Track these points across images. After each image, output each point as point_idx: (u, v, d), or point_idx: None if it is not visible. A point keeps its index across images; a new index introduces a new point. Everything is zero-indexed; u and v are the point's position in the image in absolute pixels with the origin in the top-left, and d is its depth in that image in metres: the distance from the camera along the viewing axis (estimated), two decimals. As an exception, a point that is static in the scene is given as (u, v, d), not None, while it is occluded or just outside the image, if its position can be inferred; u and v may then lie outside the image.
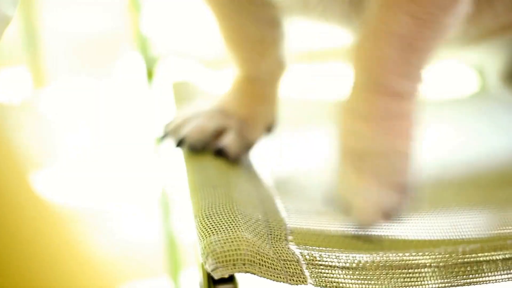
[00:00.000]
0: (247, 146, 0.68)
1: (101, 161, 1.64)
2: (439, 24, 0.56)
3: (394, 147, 0.59)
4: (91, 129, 1.75)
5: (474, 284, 0.56)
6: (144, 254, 1.36)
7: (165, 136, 0.68)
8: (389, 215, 0.59)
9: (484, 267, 0.56)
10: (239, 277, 0.53)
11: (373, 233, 0.59)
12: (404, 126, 0.59)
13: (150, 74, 1.02)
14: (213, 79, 0.89)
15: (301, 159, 0.76)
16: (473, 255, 0.56)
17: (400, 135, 0.59)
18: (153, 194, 1.25)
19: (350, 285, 0.52)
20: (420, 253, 0.55)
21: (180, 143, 0.66)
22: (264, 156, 0.70)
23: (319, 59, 0.98)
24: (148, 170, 1.25)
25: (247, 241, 0.51)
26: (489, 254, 0.56)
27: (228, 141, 0.66)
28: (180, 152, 0.66)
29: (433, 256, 0.55)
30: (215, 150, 0.65)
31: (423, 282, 0.54)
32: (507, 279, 0.56)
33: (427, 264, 0.55)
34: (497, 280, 0.56)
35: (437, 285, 0.54)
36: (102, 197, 1.53)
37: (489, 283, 0.56)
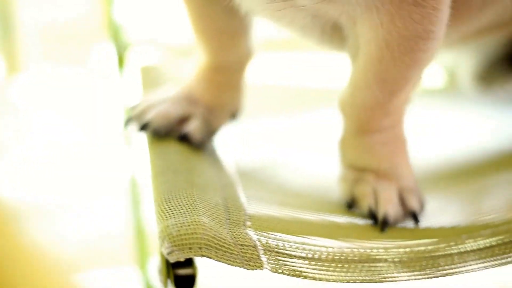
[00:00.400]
0: (211, 132, 0.68)
1: (71, 150, 1.63)
2: (422, 66, 0.58)
3: (393, 166, 0.64)
4: (62, 117, 1.74)
5: (431, 278, 0.56)
6: (112, 243, 1.35)
7: (129, 120, 0.68)
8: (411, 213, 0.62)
9: (440, 261, 0.56)
10: (199, 262, 0.53)
11: (330, 219, 0.59)
12: (398, 144, 0.64)
13: (121, 61, 1.02)
14: (183, 66, 0.89)
15: (264, 147, 0.76)
16: (428, 251, 0.57)
17: (396, 153, 0.64)
18: (122, 182, 1.24)
19: (306, 273, 0.53)
20: (375, 248, 0.56)
21: (143, 128, 0.66)
22: (228, 143, 0.71)
23: (285, 47, 0.99)
24: (118, 158, 1.25)
25: (204, 226, 0.51)
26: (444, 250, 0.57)
27: (193, 127, 0.66)
28: (144, 138, 0.66)
29: (389, 252, 0.56)
30: (179, 135, 0.65)
31: (380, 276, 0.54)
32: (463, 272, 0.57)
33: (383, 259, 0.55)
34: (454, 273, 0.57)
35: (394, 279, 0.55)
36: (71, 187, 1.52)
37: (446, 276, 0.57)
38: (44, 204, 1.47)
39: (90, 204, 1.47)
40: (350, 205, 0.64)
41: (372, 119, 0.61)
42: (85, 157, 1.61)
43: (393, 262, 0.55)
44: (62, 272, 1.29)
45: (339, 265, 0.54)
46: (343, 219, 0.61)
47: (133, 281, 1.23)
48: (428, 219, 0.63)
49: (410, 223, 0.62)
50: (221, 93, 0.68)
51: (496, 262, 0.57)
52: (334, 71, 0.93)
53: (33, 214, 1.43)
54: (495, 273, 1.10)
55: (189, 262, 0.53)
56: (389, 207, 0.61)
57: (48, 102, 1.80)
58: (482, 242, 0.58)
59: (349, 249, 0.55)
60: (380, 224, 0.61)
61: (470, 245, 0.58)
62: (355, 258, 0.55)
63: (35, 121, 1.75)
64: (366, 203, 0.62)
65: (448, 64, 0.91)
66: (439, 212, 0.64)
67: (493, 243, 0.58)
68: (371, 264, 0.54)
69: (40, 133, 1.70)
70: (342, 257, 0.54)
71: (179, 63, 0.91)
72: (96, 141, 1.64)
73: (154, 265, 1.10)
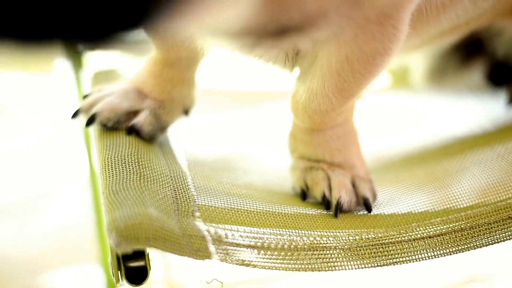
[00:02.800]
0: (162, 127, 0.68)
1: (31, 150, 1.61)
2: (377, 75, 0.60)
3: (346, 158, 0.65)
4: (22, 120, 1.73)
5: (381, 266, 0.57)
6: (74, 241, 1.34)
7: (77, 112, 0.67)
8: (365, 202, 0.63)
9: (389, 248, 0.57)
10: (153, 254, 0.53)
11: (280, 210, 0.59)
12: (350, 137, 0.65)
13: (79, 62, 1.01)
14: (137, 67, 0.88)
15: (213, 139, 0.76)
16: (378, 238, 0.57)
17: (348, 146, 0.65)
18: (83, 180, 1.23)
19: (256, 263, 0.53)
20: (324, 237, 0.56)
21: (91, 120, 0.65)
22: (177, 135, 0.70)
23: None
24: (78, 155, 1.24)
25: (151, 217, 0.51)
26: (394, 237, 0.57)
27: (141, 120, 0.65)
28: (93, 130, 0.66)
29: (337, 240, 0.56)
30: (127, 128, 0.65)
31: (329, 264, 0.55)
32: (414, 260, 0.57)
33: (332, 247, 0.55)
34: (404, 261, 0.57)
35: (344, 267, 0.55)
36: (31, 186, 1.51)
37: (397, 264, 0.57)
38: (5, 203, 1.46)
39: (53, 202, 1.46)
40: (304, 194, 0.65)
41: (325, 120, 0.63)
42: (46, 156, 1.59)
43: (343, 249, 0.55)
44: (26, 273, 1.28)
45: (288, 253, 0.54)
46: (293, 209, 0.61)
47: (97, 279, 1.23)
48: (380, 209, 0.63)
49: (361, 212, 0.63)
50: (172, 89, 0.68)
51: (447, 251, 0.58)
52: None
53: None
54: (464, 265, 1.12)
55: (140, 254, 0.52)
56: (343, 193, 0.62)
57: (12, 105, 1.78)
58: (432, 229, 0.58)
59: (299, 237, 0.55)
60: (334, 209, 0.62)
61: (420, 232, 0.58)
62: (305, 246, 0.55)
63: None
64: (319, 189, 0.63)
65: (395, 65, 0.93)
66: (391, 202, 0.64)
67: (443, 230, 0.59)
68: (320, 252, 0.55)
69: (2, 134, 1.69)
70: (292, 246, 0.55)
71: (133, 64, 0.90)
72: (57, 141, 1.63)
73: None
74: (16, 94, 1.81)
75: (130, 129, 0.65)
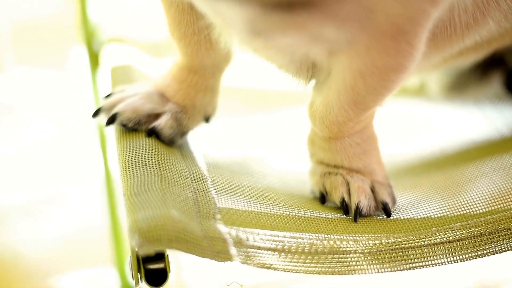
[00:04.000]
0: (182, 132, 0.68)
1: (46, 151, 1.62)
2: (392, 91, 0.59)
3: (365, 164, 0.65)
4: (38, 119, 1.73)
5: (401, 270, 0.57)
6: (88, 243, 1.35)
7: (98, 111, 0.68)
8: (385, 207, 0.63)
9: (409, 253, 0.57)
10: (172, 257, 0.53)
11: (300, 214, 0.60)
12: (369, 143, 0.65)
13: (96, 61, 1.01)
14: (158, 66, 0.89)
15: (232, 142, 0.76)
16: (398, 242, 0.57)
17: (368, 151, 0.65)
18: (98, 182, 1.24)
19: (276, 265, 0.53)
20: (344, 241, 0.56)
21: (112, 119, 0.66)
22: (198, 139, 0.71)
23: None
24: (94, 157, 1.24)
25: (174, 219, 0.51)
26: (413, 241, 0.58)
27: (162, 123, 0.66)
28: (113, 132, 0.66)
29: (358, 244, 0.56)
30: (147, 130, 0.65)
31: (349, 267, 0.55)
32: (433, 265, 0.58)
33: (352, 251, 0.56)
34: (424, 266, 0.57)
35: (363, 271, 0.55)
36: (46, 186, 1.51)
37: (416, 268, 0.57)
38: (19, 204, 1.46)
39: (67, 203, 1.47)
40: (323, 198, 0.65)
41: (343, 130, 0.63)
42: (60, 157, 1.60)
43: (363, 253, 0.56)
44: (39, 275, 1.29)
45: (309, 257, 0.54)
46: (312, 213, 0.61)
47: (111, 282, 1.23)
48: (400, 214, 0.63)
49: (381, 217, 0.63)
50: (196, 95, 0.68)
51: (466, 256, 0.58)
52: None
53: (8, 215, 1.42)
54: (475, 271, 1.12)
55: (160, 257, 0.53)
56: (362, 197, 0.62)
57: (25, 104, 1.79)
58: (451, 234, 0.58)
59: (319, 241, 0.56)
60: (353, 214, 0.62)
61: (440, 237, 0.58)
62: (325, 250, 0.55)
63: (10, 123, 1.74)
64: (338, 193, 0.63)
65: (415, 82, 0.93)
66: (410, 207, 0.64)
67: (463, 236, 0.59)
68: (340, 256, 0.55)
69: (15, 134, 1.69)
70: (312, 249, 0.55)
71: (154, 61, 0.91)
72: (71, 142, 1.63)
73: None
74: (29, 91, 1.81)
75: (151, 131, 0.65)
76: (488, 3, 0.62)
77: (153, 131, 0.65)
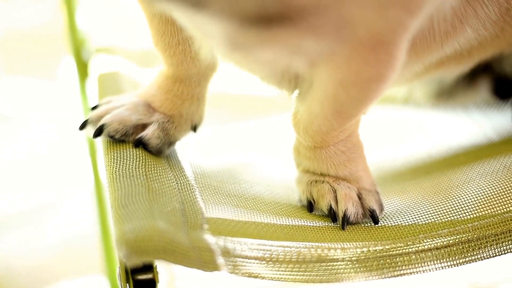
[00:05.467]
0: (170, 142, 0.68)
1: (36, 160, 1.62)
2: (375, 99, 0.59)
3: (351, 171, 0.65)
4: (28, 128, 1.73)
5: (389, 277, 0.57)
6: (79, 252, 1.34)
7: (85, 123, 0.68)
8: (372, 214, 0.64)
9: (397, 260, 0.57)
10: (165, 266, 0.54)
11: (288, 223, 0.60)
12: (354, 150, 0.65)
13: (85, 71, 1.01)
14: (147, 75, 0.89)
15: (218, 151, 0.76)
16: (386, 250, 0.57)
17: (353, 159, 0.65)
18: (88, 191, 1.24)
19: (264, 274, 0.53)
20: (332, 249, 0.57)
21: (99, 131, 0.66)
22: (186, 148, 0.71)
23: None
24: (83, 166, 1.24)
25: (161, 229, 0.51)
26: (401, 248, 0.58)
27: (149, 134, 0.66)
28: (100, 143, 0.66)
29: (345, 252, 0.56)
30: (134, 141, 0.65)
31: (337, 276, 0.55)
32: (421, 271, 0.58)
33: (340, 259, 0.56)
34: (412, 273, 0.57)
35: (351, 278, 0.56)
36: (36, 196, 1.51)
37: (404, 275, 0.57)
38: (10, 213, 1.46)
39: (58, 213, 1.47)
40: (310, 206, 0.65)
41: (326, 139, 0.63)
42: (51, 166, 1.60)
43: (351, 261, 0.56)
44: (30, 284, 1.28)
45: (297, 265, 0.54)
46: (300, 221, 0.62)
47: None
48: (387, 220, 0.63)
49: (368, 224, 0.63)
50: (181, 104, 0.68)
51: (454, 262, 0.58)
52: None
53: (-1, 225, 1.42)
54: (470, 273, 1.12)
55: (148, 268, 0.53)
56: (349, 205, 0.62)
57: (15, 114, 1.79)
58: (439, 241, 0.59)
59: (306, 249, 0.56)
60: (341, 221, 0.62)
61: (428, 243, 0.58)
62: (312, 258, 0.55)
63: (1, 133, 1.73)
64: (326, 201, 0.63)
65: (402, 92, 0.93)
66: (398, 213, 0.65)
67: (451, 242, 0.59)
68: (328, 264, 0.55)
69: (6, 144, 1.69)
70: (300, 258, 0.55)
71: (143, 71, 0.91)
72: (62, 151, 1.63)
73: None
74: (19, 101, 1.81)
75: (138, 141, 0.65)
76: (466, 11, 0.62)
77: (140, 141, 0.65)
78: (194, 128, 0.70)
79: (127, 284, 0.54)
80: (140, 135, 0.65)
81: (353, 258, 0.56)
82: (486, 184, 0.66)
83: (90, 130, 0.67)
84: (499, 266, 1.14)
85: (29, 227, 1.41)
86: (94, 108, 0.69)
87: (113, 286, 1.16)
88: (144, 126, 0.66)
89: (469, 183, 0.67)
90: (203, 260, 0.52)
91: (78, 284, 1.28)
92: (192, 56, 0.67)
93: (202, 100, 0.70)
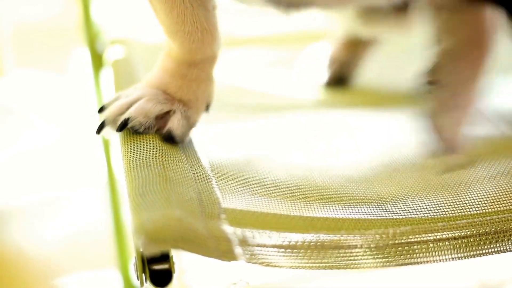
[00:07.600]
0: (190, 126, 0.69)
1: (49, 152, 1.62)
2: None
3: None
4: (40, 120, 1.74)
5: (405, 265, 0.57)
6: (91, 244, 1.35)
7: (103, 124, 0.67)
8: None
9: (415, 247, 0.57)
10: (177, 257, 0.53)
11: (307, 214, 0.60)
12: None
13: (100, 62, 1.01)
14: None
15: (234, 142, 0.76)
16: (404, 237, 0.57)
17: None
18: (101, 183, 1.24)
19: (282, 263, 0.53)
20: (351, 235, 0.56)
21: (122, 127, 0.65)
22: (201, 138, 0.71)
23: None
24: (97, 158, 1.24)
25: (179, 219, 0.51)
26: (419, 236, 0.58)
27: (175, 124, 0.66)
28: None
29: (364, 238, 0.56)
30: (163, 135, 0.66)
31: (354, 262, 0.55)
32: (438, 260, 0.58)
33: (358, 245, 0.56)
34: (428, 262, 0.57)
35: (369, 265, 0.55)
36: (49, 188, 1.51)
37: (420, 264, 0.57)
38: (22, 206, 1.46)
39: (70, 205, 1.47)
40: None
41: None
42: (63, 159, 1.60)
43: (369, 248, 0.56)
44: (43, 276, 1.29)
45: (315, 252, 0.54)
46: (320, 208, 0.61)
47: (114, 283, 1.23)
48: (406, 208, 0.63)
49: (387, 212, 0.62)
50: (197, 87, 0.69)
51: (471, 253, 0.58)
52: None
53: (12, 217, 1.43)
54: (477, 271, 1.12)
55: (165, 257, 0.53)
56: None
57: (27, 107, 1.79)
58: (457, 231, 0.59)
59: (325, 236, 0.56)
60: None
61: (446, 233, 0.58)
62: (331, 245, 0.55)
63: (13, 126, 1.74)
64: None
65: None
66: (419, 203, 0.64)
67: (469, 233, 0.59)
68: (346, 251, 0.55)
69: (18, 137, 1.70)
70: (318, 244, 0.55)
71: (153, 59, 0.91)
72: (74, 143, 1.63)
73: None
74: (29, 94, 1.82)
75: (168, 136, 0.66)
76: None
77: (169, 135, 0.65)
78: (207, 108, 0.71)
79: (143, 274, 0.54)
80: (167, 128, 0.66)
81: (371, 245, 0.56)
82: (505, 182, 0.66)
83: (110, 127, 0.66)
84: (508, 264, 1.14)
85: (41, 220, 1.42)
86: (105, 106, 0.68)
87: (125, 280, 1.16)
88: (163, 116, 0.66)
89: (489, 179, 0.67)
90: (221, 249, 0.52)
91: (90, 277, 1.29)
92: (210, 41, 0.68)
93: (212, 79, 0.71)
